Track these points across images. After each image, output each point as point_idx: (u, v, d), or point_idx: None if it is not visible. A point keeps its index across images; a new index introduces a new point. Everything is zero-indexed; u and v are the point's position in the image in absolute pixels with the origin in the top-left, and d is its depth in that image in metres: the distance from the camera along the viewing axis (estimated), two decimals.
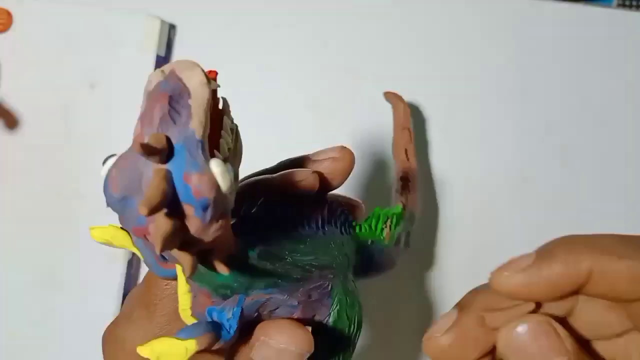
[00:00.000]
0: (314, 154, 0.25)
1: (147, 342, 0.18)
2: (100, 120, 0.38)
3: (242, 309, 0.20)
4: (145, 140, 0.15)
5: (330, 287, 0.22)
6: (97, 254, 0.37)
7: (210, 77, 0.17)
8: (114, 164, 0.17)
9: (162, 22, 0.38)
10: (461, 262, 0.39)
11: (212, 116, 0.17)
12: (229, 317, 0.19)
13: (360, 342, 0.23)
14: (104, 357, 0.24)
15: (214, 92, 0.18)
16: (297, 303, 0.21)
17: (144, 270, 0.39)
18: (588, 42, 0.41)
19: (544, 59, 0.41)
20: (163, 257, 0.20)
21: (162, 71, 0.17)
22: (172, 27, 0.40)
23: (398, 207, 0.29)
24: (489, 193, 0.40)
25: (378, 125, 0.40)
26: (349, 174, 0.25)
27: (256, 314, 0.21)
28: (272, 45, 0.40)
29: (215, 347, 0.19)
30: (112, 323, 0.24)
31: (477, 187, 0.40)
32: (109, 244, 0.23)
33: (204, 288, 0.20)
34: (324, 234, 0.23)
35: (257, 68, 0.40)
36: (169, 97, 0.16)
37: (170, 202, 0.16)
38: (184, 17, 0.40)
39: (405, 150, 0.36)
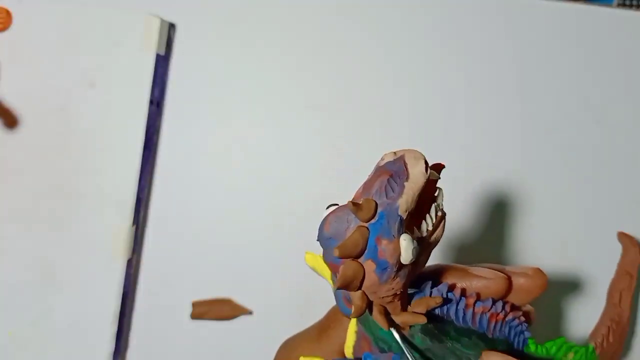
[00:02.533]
0: (509, 266, 0.26)
1: (308, 358, 0.23)
2: (100, 120, 0.38)
3: None
4: (360, 201, 0.20)
5: None
6: (96, 254, 0.37)
7: (435, 169, 0.21)
8: (332, 211, 0.22)
9: (162, 21, 0.38)
10: (461, 262, 0.39)
11: (423, 200, 0.21)
12: None
13: None
14: (275, 357, 0.28)
15: (432, 182, 0.21)
16: None
17: (143, 270, 0.39)
18: (588, 42, 0.41)
19: (544, 59, 0.41)
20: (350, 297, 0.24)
21: (394, 153, 0.21)
22: (172, 26, 0.40)
23: (590, 347, 0.28)
24: (489, 193, 0.40)
25: (378, 125, 0.40)
26: (536, 297, 0.25)
27: None
28: (272, 44, 0.40)
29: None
30: (295, 334, 0.29)
31: (477, 187, 0.40)
32: (314, 269, 0.26)
33: (367, 335, 0.23)
34: (493, 336, 0.24)
35: (257, 67, 0.40)
36: (390, 174, 0.20)
37: (360, 254, 0.20)
38: (184, 16, 0.40)
39: (620, 294, 0.35)
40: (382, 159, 0.22)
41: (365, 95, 0.40)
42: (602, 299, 0.38)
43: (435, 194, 0.22)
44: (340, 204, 0.22)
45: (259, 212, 0.39)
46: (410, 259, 0.20)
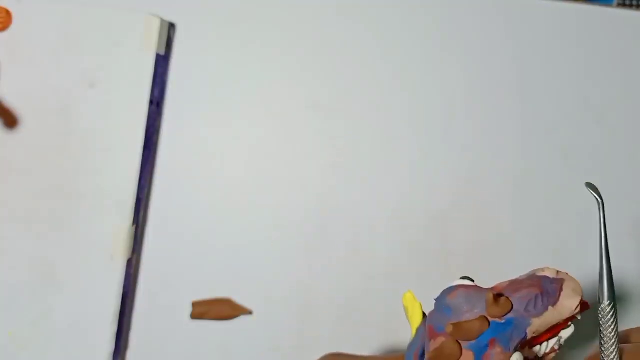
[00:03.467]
0: None
1: None
2: (100, 120, 0.38)
3: None
4: (502, 297, 0.19)
5: None
6: (96, 254, 0.37)
7: (583, 308, 0.20)
8: (466, 286, 0.21)
9: (162, 21, 0.38)
10: (461, 262, 0.39)
11: (552, 329, 0.20)
12: None
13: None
14: None
15: (569, 319, 0.21)
16: None
17: (143, 270, 0.39)
18: (588, 42, 0.41)
19: (544, 59, 0.41)
20: (421, 356, 0.23)
21: (558, 272, 0.21)
22: (172, 26, 0.40)
23: None
24: (489, 193, 0.40)
25: (378, 125, 0.40)
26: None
27: None
28: (272, 44, 0.40)
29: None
30: None
31: (477, 187, 0.40)
32: (406, 310, 0.25)
33: None
34: None
35: (256, 68, 0.40)
36: (542, 292, 0.20)
37: (467, 340, 0.19)
38: (184, 16, 0.40)
39: None
40: (543, 270, 0.21)
41: (365, 95, 0.40)
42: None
43: (565, 328, 0.21)
44: (475, 284, 0.21)
45: (259, 212, 0.39)
46: None
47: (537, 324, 0.20)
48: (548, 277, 0.20)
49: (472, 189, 0.40)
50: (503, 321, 0.19)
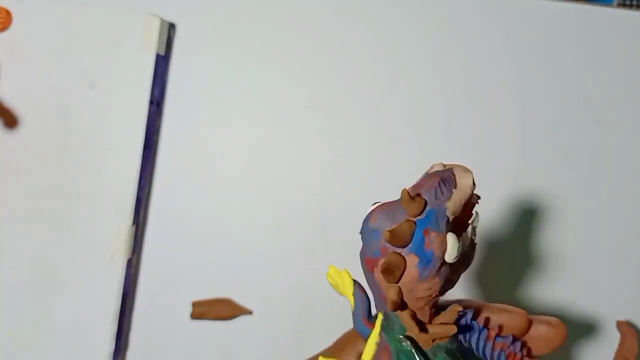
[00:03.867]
0: (533, 316, 0.26)
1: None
2: (100, 120, 0.38)
3: None
4: (406, 191, 0.20)
5: None
6: (96, 254, 0.37)
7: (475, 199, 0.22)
8: (380, 205, 0.22)
9: (162, 21, 0.38)
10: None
11: (461, 219, 0.22)
12: None
13: None
14: None
15: (470, 204, 0.22)
16: None
17: (143, 270, 0.39)
18: (588, 42, 0.41)
19: (544, 59, 0.41)
20: (369, 317, 0.24)
21: (444, 165, 0.22)
22: (172, 26, 0.40)
23: None
24: (489, 193, 0.40)
25: (378, 125, 0.40)
26: (557, 348, 0.26)
27: None
28: (272, 44, 0.40)
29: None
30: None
31: (477, 187, 0.40)
32: (335, 286, 0.26)
33: (390, 346, 0.23)
34: None
35: (257, 67, 0.40)
36: (440, 179, 0.21)
37: (404, 246, 0.20)
38: (184, 16, 0.40)
39: None
40: (432, 167, 0.22)
41: (365, 95, 0.40)
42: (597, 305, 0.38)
43: (472, 218, 0.23)
44: (383, 201, 0.23)
45: (259, 212, 0.39)
46: (454, 257, 0.20)
47: (452, 206, 0.21)
48: (439, 170, 0.22)
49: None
50: (424, 215, 0.21)
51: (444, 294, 0.22)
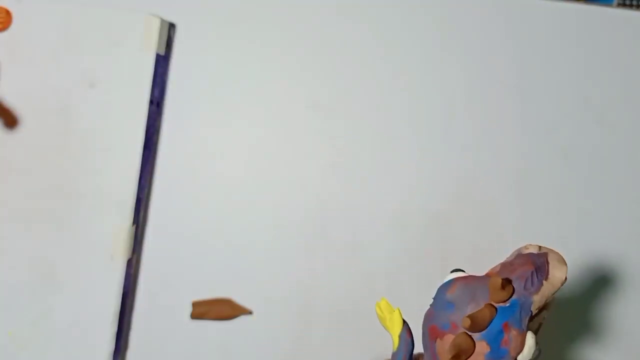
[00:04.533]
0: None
1: None
2: (100, 120, 0.38)
3: None
4: (499, 280, 0.19)
5: None
6: (96, 254, 0.37)
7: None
8: (463, 277, 0.21)
9: (162, 21, 0.38)
10: (461, 262, 0.39)
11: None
12: None
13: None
14: None
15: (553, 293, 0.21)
16: None
17: (143, 270, 0.39)
18: (588, 42, 0.41)
19: (544, 59, 0.41)
20: None
21: (540, 247, 0.21)
22: (172, 26, 0.40)
23: None
24: (489, 193, 0.40)
25: (378, 125, 0.40)
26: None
27: None
28: (272, 44, 0.40)
29: None
30: None
31: (477, 187, 0.40)
32: (381, 319, 0.25)
33: None
34: None
35: (257, 67, 0.40)
36: (535, 268, 0.20)
37: (479, 331, 0.19)
38: (184, 16, 0.40)
39: None
40: (527, 248, 0.21)
41: (365, 95, 0.40)
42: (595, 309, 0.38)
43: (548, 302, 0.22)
44: (467, 273, 0.21)
45: (259, 212, 0.39)
46: (527, 359, 0.19)
47: (537, 300, 0.20)
48: (534, 253, 0.21)
49: (472, 189, 0.40)
50: (508, 304, 0.19)
51: None
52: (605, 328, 0.39)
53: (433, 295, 0.22)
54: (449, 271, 0.22)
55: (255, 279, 0.39)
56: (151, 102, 0.38)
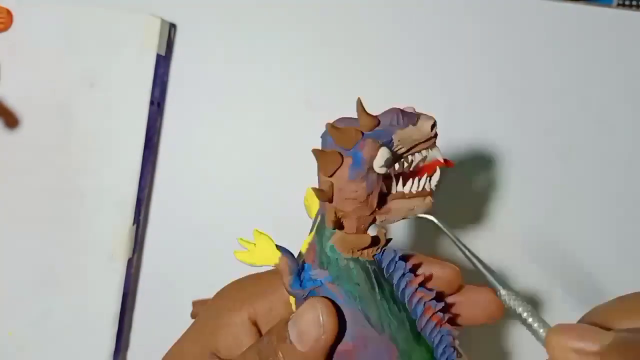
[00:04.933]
0: (472, 285, 0.26)
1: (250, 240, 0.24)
2: (100, 120, 0.38)
3: (320, 284, 0.22)
4: (365, 111, 0.23)
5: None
6: (97, 254, 0.37)
7: (446, 164, 0.25)
8: (339, 118, 0.25)
9: (163, 21, 0.38)
10: (461, 263, 0.39)
11: (420, 170, 0.24)
12: (309, 277, 0.23)
13: None
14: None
15: (426, 143, 0.24)
16: (350, 339, 0.22)
17: (144, 270, 0.39)
18: (588, 41, 0.41)
19: (544, 59, 0.41)
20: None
21: (414, 108, 0.24)
22: (172, 27, 0.40)
23: None
24: (490, 193, 0.40)
25: None
26: (491, 321, 0.25)
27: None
28: (272, 44, 0.40)
29: (285, 280, 0.23)
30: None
31: (477, 188, 0.40)
32: (307, 206, 0.27)
33: (316, 245, 0.23)
34: (421, 333, 0.23)
35: (257, 67, 0.40)
36: (401, 111, 0.24)
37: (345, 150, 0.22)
38: (185, 17, 0.40)
39: None
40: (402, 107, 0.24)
41: (365, 96, 0.40)
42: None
43: (432, 174, 0.24)
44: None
45: (259, 212, 0.39)
46: (380, 165, 0.21)
47: (401, 134, 0.22)
48: (406, 107, 0.24)
49: (472, 188, 0.40)
50: (373, 132, 0.22)
51: (372, 209, 0.22)
52: None
53: None
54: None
55: None
56: (152, 102, 0.38)
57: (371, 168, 0.22)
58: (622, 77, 0.41)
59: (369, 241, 0.22)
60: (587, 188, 0.40)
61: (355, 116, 0.23)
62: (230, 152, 0.40)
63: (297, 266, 0.23)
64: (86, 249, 0.37)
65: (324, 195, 0.22)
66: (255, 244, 0.24)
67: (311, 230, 0.25)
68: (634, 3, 0.41)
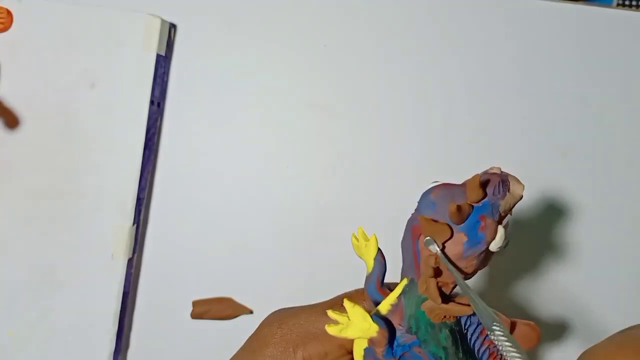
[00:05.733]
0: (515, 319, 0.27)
1: (340, 312, 0.23)
2: (100, 120, 0.38)
3: (408, 349, 0.23)
4: (477, 178, 0.22)
5: None
6: (97, 254, 0.37)
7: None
8: (442, 184, 0.24)
9: (163, 21, 0.38)
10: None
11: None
12: (398, 344, 0.23)
13: None
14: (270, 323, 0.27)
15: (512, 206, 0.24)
16: None
17: (144, 269, 0.39)
18: (588, 42, 0.41)
19: (544, 59, 0.41)
20: (382, 284, 0.26)
21: (500, 169, 0.24)
22: (172, 27, 0.40)
23: None
24: None
25: (378, 125, 0.40)
26: (532, 347, 0.26)
27: None
28: (272, 44, 0.40)
29: (378, 350, 0.23)
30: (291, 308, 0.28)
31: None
32: (356, 246, 0.28)
33: (404, 309, 0.24)
34: None
35: (257, 68, 0.40)
36: (501, 180, 0.23)
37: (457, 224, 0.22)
38: (185, 17, 0.40)
39: None
40: (491, 168, 0.24)
41: (365, 95, 0.40)
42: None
43: (505, 222, 0.24)
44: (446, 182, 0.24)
45: (259, 211, 0.39)
46: (498, 247, 0.22)
47: (503, 205, 0.23)
48: (497, 173, 0.24)
49: None
50: (481, 204, 0.22)
51: (469, 278, 0.24)
52: None
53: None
54: (430, 182, 0.24)
55: (255, 279, 0.39)
56: (152, 102, 0.38)
57: (487, 248, 0.22)
58: (621, 77, 0.41)
59: (471, 310, 0.23)
60: (587, 188, 0.40)
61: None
62: (230, 152, 0.40)
63: (390, 336, 0.24)
64: (86, 249, 0.37)
65: (431, 270, 0.22)
66: (349, 318, 0.24)
67: (388, 289, 0.25)
68: (634, 3, 0.41)
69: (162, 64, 0.39)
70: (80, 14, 0.38)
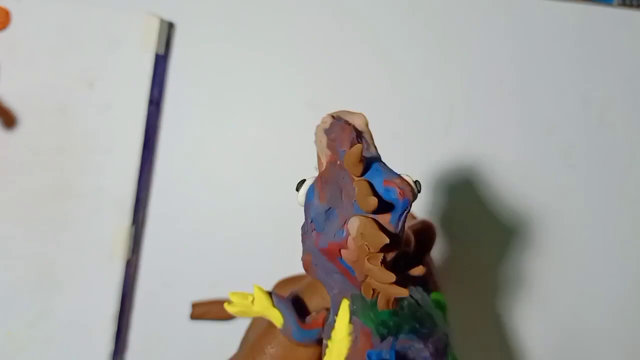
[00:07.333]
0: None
1: None
2: (99, 120, 0.38)
3: (396, 352, 0.20)
4: (345, 154, 0.17)
5: (447, 341, 0.21)
6: (96, 254, 0.37)
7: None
8: (315, 182, 0.18)
9: (161, 20, 0.38)
10: (461, 263, 0.39)
11: None
12: (387, 358, 0.20)
13: None
14: None
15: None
16: (428, 355, 0.20)
17: (143, 270, 0.39)
18: (588, 41, 0.41)
19: (544, 59, 0.41)
20: (303, 318, 0.22)
21: (332, 116, 0.19)
22: (171, 26, 0.40)
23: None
24: (490, 193, 0.40)
25: (378, 125, 0.40)
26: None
27: None
28: (271, 44, 0.40)
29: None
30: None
31: (477, 187, 0.40)
32: (240, 313, 0.22)
33: (366, 327, 0.20)
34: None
35: (256, 67, 0.40)
36: (354, 128, 0.18)
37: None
38: (183, 16, 0.40)
39: None
40: (324, 121, 0.19)
41: (365, 95, 0.40)
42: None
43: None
44: (310, 176, 0.19)
45: (259, 211, 0.39)
46: (417, 192, 0.18)
47: (376, 151, 0.19)
48: (339, 121, 0.20)
49: (472, 188, 0.40)
50: (370, 169, 0.18)
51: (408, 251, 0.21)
52: None
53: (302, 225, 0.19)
54: (295, 189, 0.19)
55: (255, 279, 0.39)
56: (150, 102, 0.38)
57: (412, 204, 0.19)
58: (622, 77, 0.41)
59: (407, 292, 0.19)
60: (587, 188, 0.40)
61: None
62: (229, 151, 0.40)
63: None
64: (85, 249, 0.37)
65: (402, 287, 0.19)
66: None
67: (335, 321, 0.22)
68: (635, 2, 0.41)
69: (161, 63, 0.39)
70: (78, 13, 0.38)
